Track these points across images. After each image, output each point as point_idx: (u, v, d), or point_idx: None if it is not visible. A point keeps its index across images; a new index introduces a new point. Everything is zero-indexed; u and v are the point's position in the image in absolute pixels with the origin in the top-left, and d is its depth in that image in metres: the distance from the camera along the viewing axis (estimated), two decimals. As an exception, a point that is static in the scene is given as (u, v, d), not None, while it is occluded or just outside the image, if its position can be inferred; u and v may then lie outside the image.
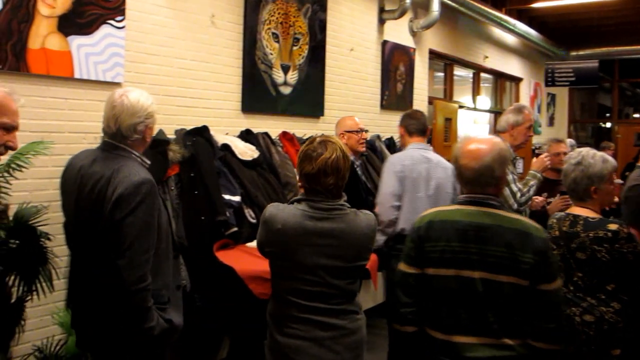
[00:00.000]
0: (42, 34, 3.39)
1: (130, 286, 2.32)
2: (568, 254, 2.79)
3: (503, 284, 2.24)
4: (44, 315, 3.41)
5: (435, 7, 6.83)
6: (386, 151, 5.84)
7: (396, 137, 6.22)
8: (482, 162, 2.32)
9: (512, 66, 10.56)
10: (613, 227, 2.68)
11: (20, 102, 2.07)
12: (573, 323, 2.70)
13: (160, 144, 3.66)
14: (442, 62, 8.53)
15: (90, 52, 3.62)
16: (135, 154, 2.53)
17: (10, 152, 2.39)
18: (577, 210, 2.87)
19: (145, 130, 2.53)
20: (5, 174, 2.92)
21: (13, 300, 2.99)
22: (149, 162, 2.58)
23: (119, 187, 2.35)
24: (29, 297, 3.05)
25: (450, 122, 7.92)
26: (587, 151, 2.93)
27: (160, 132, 3.83)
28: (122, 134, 2.48)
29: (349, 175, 2.54)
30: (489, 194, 2.35)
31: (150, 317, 2.38)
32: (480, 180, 2.34)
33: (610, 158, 2.89)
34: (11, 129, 2.00)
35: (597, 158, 2.86)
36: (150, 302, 2.37)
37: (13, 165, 2.99)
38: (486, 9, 8.14)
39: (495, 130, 4.24)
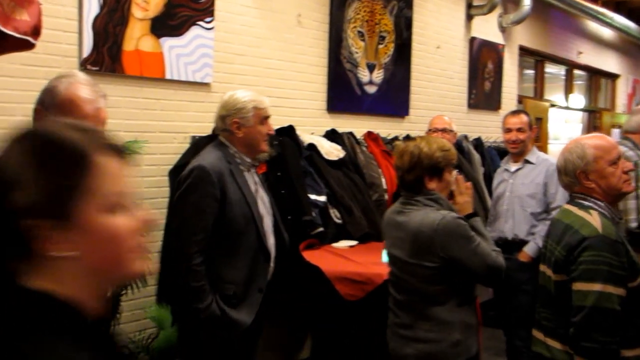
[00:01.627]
0: (136, 37, 3.50)
1: (178, 264, 2.52)
2: None
3: (549, 279, 2.24)
4: (137, 309, 3.51)
5: (527, 1, 6.55)
6: (474, 152, 5.66)
7: (484, 137, 6.02)
8: None
9: (609, 62, 10.00)
10: None
11: (100, 103, 1.80)
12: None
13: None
14: (533, 58, 8.20)
15: (180, 53, 3.71)
16: (225, 145, 2.67)
17: None
18: None
19: (232, 124, 2.64)
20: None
21: (109, 294, 3.10)
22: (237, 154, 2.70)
23: (185, 170, 2.63)
24: (124, 291, 3.15)
25: (540, 121, 7.59)
26: None
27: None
28: (216, 125, 2.72)
29: None
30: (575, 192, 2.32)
31: (199, 298, 2.50)
32: None
33: None
34: None
35: None
36: (197, 282, 2.50)
37: (109, 164, 3.10)
38: (581, 2, 7.74)
39: (623, 132, 3.98)
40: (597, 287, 2.04)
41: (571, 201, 2.31)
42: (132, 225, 0.92)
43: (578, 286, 2.08)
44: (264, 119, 2.73)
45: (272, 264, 2.76)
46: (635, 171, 3.58)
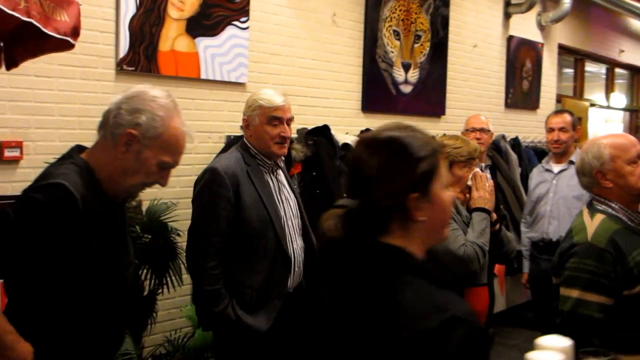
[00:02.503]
0: (172, 37, 3.52)
1: (192, 265, 2.52)
2: None
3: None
4: (173, 309, 3.52)
5: (567, -2, 6.41)
6: (511, 152, 5.54)
7: (522, 137, 5.90)
8: None
9: (651, 60, 9.74)
10: None
11: (194, 142, 1.88)
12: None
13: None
14: (572, 57, 8.02)
15: (215, 53, 3.71)
16: (247, 146, 2.65)
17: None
18: None
19: (243, 121, 2.66)
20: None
21: (145, 293, 3.11)
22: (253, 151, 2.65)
23: (200, 173, 2.62)
24: (160, 291, 3.16)
25: (580, 121, 7.41)
26: None
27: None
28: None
29: None
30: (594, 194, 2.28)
31: (214, 302, 2.45)
32: None
33: None
34: (168, 167, 1.75)
35: None
36: (211, 285, 2.45)
37: (145, 163, 3.11)
38: (623, -2, 7.55)
39: None
40: (575, 293, 2.07)
41: (588, 203, 2.28)
42: (451, 199, 1.35)
43: (561, 291, 2.13)
44: (272, 119, 2.59)
45: (297, 268, 2.64)
46: None
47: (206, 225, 2.49)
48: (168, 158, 1.71)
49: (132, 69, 3.32)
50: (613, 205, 2.18)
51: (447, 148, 2.56)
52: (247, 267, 2.52)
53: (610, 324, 2.04)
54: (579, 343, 1.97)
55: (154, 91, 1.73)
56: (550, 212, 3.92)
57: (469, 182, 2.61)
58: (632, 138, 2.26)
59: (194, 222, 2.55)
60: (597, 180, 2.19)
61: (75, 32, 2.32)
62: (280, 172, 2.73)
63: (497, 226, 2.64)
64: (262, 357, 2.57)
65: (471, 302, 2.41)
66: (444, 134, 5.02)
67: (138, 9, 3.35)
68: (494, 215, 2.65)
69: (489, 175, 2.61)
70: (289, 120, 2.66)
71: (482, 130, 4.13)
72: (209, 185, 2.51)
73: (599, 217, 2.16)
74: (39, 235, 1.54)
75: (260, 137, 2.60)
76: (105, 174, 1.70)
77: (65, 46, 2.31)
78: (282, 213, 2.63)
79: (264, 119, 2.58)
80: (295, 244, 2.65)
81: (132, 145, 1.67)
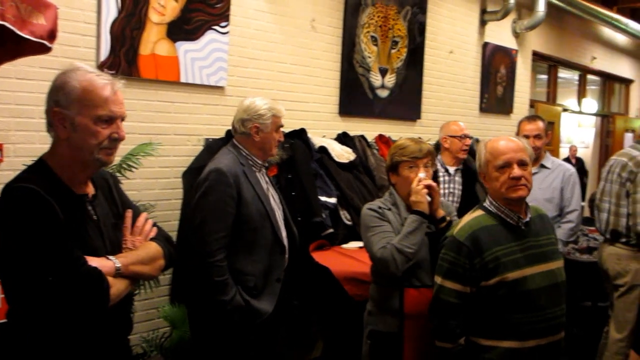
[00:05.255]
0: (152, 41, 3.56)
1: (200, 259, 2.67)
2: None
3: None
4: (150, 309, 3.58)
5: (541, 7, 6.56)
6: (485, 156, 5.67)
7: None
8: None
9: (622, 67, 9.98)
10: None
11: (116, 85, 1.75)
12: None
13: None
14: (546, 63, 8.20)
15: (195, 57, 3.77)
16: (238, 148, 2.87)
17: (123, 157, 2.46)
18: None
19: (252, 128, 2.84)
20: (117, 174, 3.08)
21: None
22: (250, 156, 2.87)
23: (202, 173, 2.80)
24: (137, 292, 3.21)
25: (552, 126, 7.60)
26: None
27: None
28: (234, 127, 2.90)
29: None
30: None
31: (223, 291, 2.67)
32: None
33: None
34: (110, 119, 1.71)
35: None
36: (220, 276, 2.66)
37: (124, 166, 3.17)
38: (596, 8, 7.73)
39: (638, 136, 4.00)
40: (439, 280, 2.32)
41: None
42: None
43: (434, 277, 2.37)
44: (279, 127, 2.93)
45: (287, 255, 2.93)
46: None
47: (214, 222, 2.70)
48: (100, 111, 1.71)
49: (113, 72, 3.35)
50: (494, 203, 2.33)
51: (393, 149, 2.71)
52: (248, 257, 2.77)
53: (470, 310, 2.26)
54: (439, 323, 2.27)
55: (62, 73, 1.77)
56: None
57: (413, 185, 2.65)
58: (512, 144, 2.30)
59: (201, 219, 2.71)
60: (482, 179, 2.38)
61: (52, 35, 2.34)
62: (265, 171, 3.00)
63: (444, 224, 2.67)
64: (269, 337, 2.88)
65: (409, 302, 2.54)
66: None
67: (119, 12, 3.40)
68: (441, 212, 2.68)
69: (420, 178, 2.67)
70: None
71: (465, 136, 4.14)
72: (215, 184, 2.72)
73: (478, 212, 2.35)
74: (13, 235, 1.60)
75: (268, 142, 2.88)
76: (64, 163, 1.73)
77: (42, 49, 2.33)
78: (273, 207, 2.89)
79: (274, 127, 2.89)
80: (284, 234, 2.93)
81: (65, 121, 1.71)
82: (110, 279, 1.69)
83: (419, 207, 2.61)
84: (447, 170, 4.00)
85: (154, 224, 1.96)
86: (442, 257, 2.32)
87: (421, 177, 2.64)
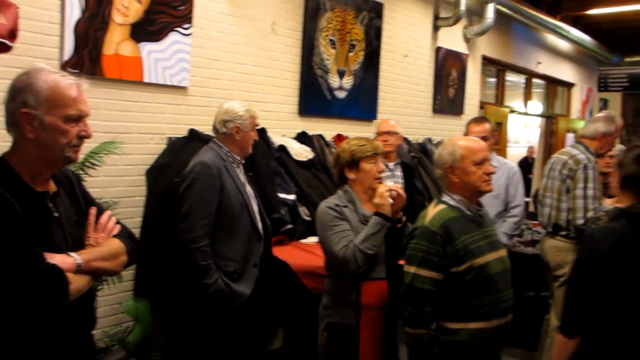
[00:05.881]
0: (116, 41, 3.61)
1: (186, 245, 2.91)
2: None
3: None
4: (114, 304, 3.63)
5: (490, 14, 6.84)
6: (437, 155, 5.89)
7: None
8: None
9: (565, 72, 10.43)
10: None
11: (83, 87, 1.79)
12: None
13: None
14: (494, 67, 8.50)
15: (159, 57, 3.83)
16: (219, 145, 3.12)
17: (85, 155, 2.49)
18: None
19: (234, 128, 3.10)
20: (80, 172, 3.13)
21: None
22: (229, 153, 3.12)
23: (187, 167, 3.05)
24: (100, 287, 3.27)
25: (500, 126, 7.91)
26: None
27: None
28: (215, 127, 3.15)
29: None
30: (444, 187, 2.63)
31: (206, 275, 2.91)
32: None
33: None
34: (78, 118, 1.75)
35: None
36: (204, 261, 2.91)
37: (87, 164, 3.22)
38: (541, 16, 8.08)
39: (579, 136, 4.21)
40: (412, 269, 2.43)
41: (439, 195, 2.65)
42: None
43: (404, 267, 2.49)
44: (255, 126, 3.21)
45: (262, 242, 3.18)
46: (585, 172, 3.87)
47: (199, 210, 2.94)
48: (69, 110, 1.74)
49: (77, 71, 3.39)
50: (455, 197, 2.52)
51: (353, 147, 2.84)
52: (229, 244, 3.02)
53: (440, 296, 2.41)
54: (415, 311, 2.40)
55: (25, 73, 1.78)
56: None
57: (374, 186, 2.82)
58: (482, 144, 2.58)
59: (187, 208, 2.95)
60: (446, 174, 2.54)
61: (12, 34, 2.34)
62: (242, 167, 3.22)
63: (402, 224, 2.85)
64: (248, 317, 3.10)
65: (366, 294, 2.69)
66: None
67: (83, 13, 3.43)
68: (400, 214, 2.84)
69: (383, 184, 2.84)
70: None
71: (389, 133, 4.26)
72: (200, 176, 2.97)
73: (440, 206, 2.52)
74: None
75: (247, 141, 3.16)
76: (27, 161, 1.74)
77: (3, 48, 2.34)
78: (250, 199, 3.13)
79: (252, 127, 3.17)
80: (260, 224, 3.18)
81: (33, 121, 1.72)
82: (70, 275, 1.69)
83: (383, 210, 2.73)
84: (387, 166, 4.11)
85: (117, 221, 1.98)
86: (414, 248, 2.44)
87: (389, 185, 2.81)
